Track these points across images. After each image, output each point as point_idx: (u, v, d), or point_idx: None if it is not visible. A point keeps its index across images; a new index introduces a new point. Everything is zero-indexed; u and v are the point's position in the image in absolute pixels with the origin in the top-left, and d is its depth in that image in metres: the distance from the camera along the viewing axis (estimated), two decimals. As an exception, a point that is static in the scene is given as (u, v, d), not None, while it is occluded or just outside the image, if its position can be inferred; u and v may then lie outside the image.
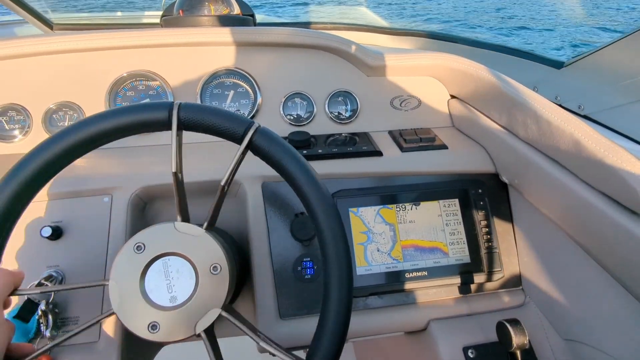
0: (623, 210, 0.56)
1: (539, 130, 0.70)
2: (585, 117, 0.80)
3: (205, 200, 0.81)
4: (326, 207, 0.51)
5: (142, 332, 0.48)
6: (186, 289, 0.50)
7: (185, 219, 0.54)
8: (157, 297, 0.49)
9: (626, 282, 0.58)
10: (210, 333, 0.52)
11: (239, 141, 0.52)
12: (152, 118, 0.50)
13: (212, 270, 0.51)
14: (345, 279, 0.50)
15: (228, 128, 0.51)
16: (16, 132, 0.87)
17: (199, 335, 0.50)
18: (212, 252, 0.52)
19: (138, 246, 0.50)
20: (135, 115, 0.50)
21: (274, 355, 0.51)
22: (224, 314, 0.51)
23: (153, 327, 0.48)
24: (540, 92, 0.89)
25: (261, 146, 0.52)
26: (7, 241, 0.48)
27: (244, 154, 0.52)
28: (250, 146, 0.52)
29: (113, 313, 0.49)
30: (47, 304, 0.67)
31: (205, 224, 0.54)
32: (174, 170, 0.51)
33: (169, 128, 0.50)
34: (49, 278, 0.69)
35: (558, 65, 0.83)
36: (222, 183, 0.52)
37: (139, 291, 0.49)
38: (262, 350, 0.53)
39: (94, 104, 0.89)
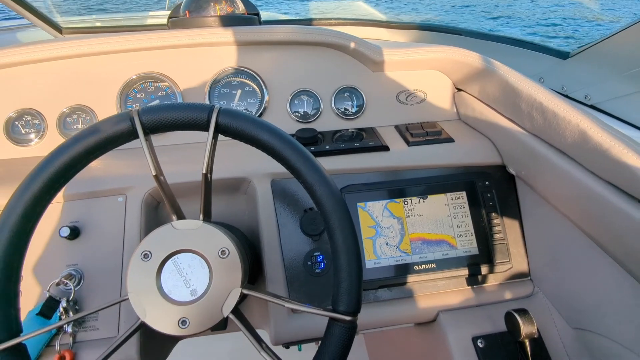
0: (630, 199, 0.57)
1: (545, 122, 0.70)
2: (592, 106, 0.80)
3: (220, 198, 0.83)
4: (310, 164, 0.52)
5: (174, 330, 0.50)
6: (203, 280, 0.52)
7: (181, 217, 0.56)
8: (178, 295, 0.51)
9: (634, 270, 0.58)
10: (238, 312, 0.54)
11: (205, 128, 0.53)
12: (117, 131, 0.51)
13: (220, 255, 0.53)
14: (349, 234, 0.51)
15: (191, 119, 0.52)
16: (32, 136, 0.90)
17: (227, 319, 0.52)
18: (216, 239, 0.53)
19: (145, 254, 0.52)
20: (101, 132, 0.51)
21: (303, 312, 0.52)
22: (245, 290, 0.53)
23: (183, 322, 0.50)
24: (547, 83, 0.89)
25: (229, 126, 0.52)
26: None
27: (215, 138, 0.53)
28: (219, 129, 0.53)
29: (142, 323, 0.51)
30: (67, 301, 0.69)
31: (200, 216, 0.55)
32: (154, 173, 0.53)
33: (137, 136, 0.52)
34: (69, 277, 0.71)
35: (564, 55, 0.83)
36: (203, 171, 0.54)
37: (159, 295, 0.51)
38: (293, 311, 0.54)
39: (106, 107, 0.91)
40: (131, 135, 0.52)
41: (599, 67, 0.75)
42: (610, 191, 0.59)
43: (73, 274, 0.72)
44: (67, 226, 0.73)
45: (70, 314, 0.69)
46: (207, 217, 0.56)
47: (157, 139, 0.92)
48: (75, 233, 0.73)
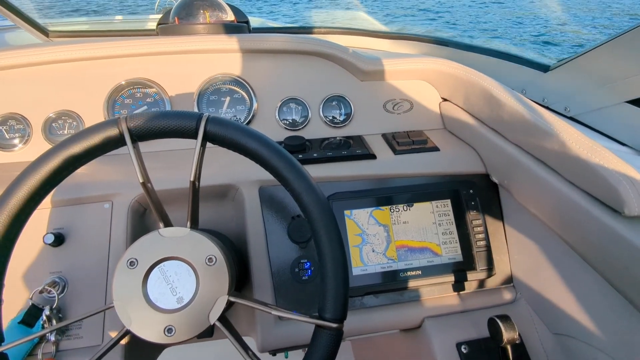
0: (605, 208, 0.59)
1: (526, 132, 0.73)
2: (572, 118, 0.83)
3: (207, 205, 0.83)
4: (297, 172, 0.53)
5: (160, 338, 0.50)
6: (189, 287, 0.52)
7: (167, 224, 0.56)
8: (164, 303, 0.51)
9: (609, 277, 0.60)
10: (225, 320, 0.54)
11: (194, 136, 0.53)
12: (105, 138, 0.51)
13: (207, 263, 0.53)
14: (336, 243, 0.52)
15: (180, 126, 0.53)
16: (16, 141, 0.89)
17: (214, 326, 0.52)
18: (202, 246, 0.53)
19: (131, 262, 0.51)
20: (89, 139, 0.51)
21: (289, 319, 0.53)
22: (232, 298, 0.53)
23: (169, 330, 0.50)
24: (528, 94, 0.92)
25: (218, 134, 0.53)
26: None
27: (203, 146, 0.53)
28: (207, 137, 0.53)
29: (127, 331, 0.50)
30: (51, 309, 0.68)
31: (188, 223, 0.55)
32: (141, 180, 0.53)
33: (124, 143, 0.52)
34: (53, 284, 0.70)
35: (544, 68, 0.86)
36: (191, 179, 0.54)
37: (145, 303, 0.51)
38: (280, 319, 0.54)
39: (93, 113, 0.91)
40: (119, 142, 0.52)
41: (577, 81, 0.78)
42: (587, 200, 0.62)
43: (57, 281, 0.71)
44: (51, 233, 0.72)
45: (54, 322, 0.68)
46: (195, 225, 0.56)
47: (145, 146, 0.92)
48: (59, 240, 0.72)
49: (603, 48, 0.71)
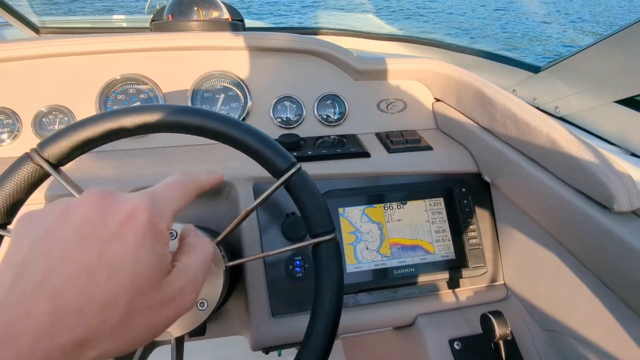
0: (595, 205, 0.60)
1: (518, 131, 0.74)
2: (561, 118, 0.84)
3: (201, 201, 0.82)
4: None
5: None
6: None
7: None
8: None
9: (599, 274, 0.61)
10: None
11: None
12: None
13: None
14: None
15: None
16: (4, 136, 0.87)
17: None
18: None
19: None
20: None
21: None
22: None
23: None
24: (519, 95, 0.94)
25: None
26: None
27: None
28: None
29: None
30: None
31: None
32: None
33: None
34: None
35: (535, 69, 0.88)
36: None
37: None
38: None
39: (85, 108, 0.90)
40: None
41: (567, 82, 0.79)
42: (577, 197, 0.63)
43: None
44: None
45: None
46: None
47: (135, 142, 0.91)
48: None
49: (591, 50, 0.73)
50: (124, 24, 2.13)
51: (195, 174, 0.41)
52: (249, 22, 1.22)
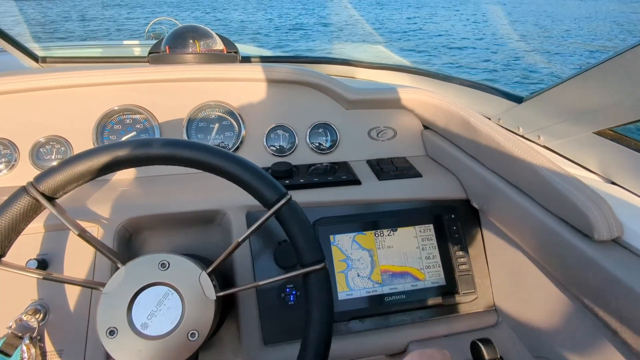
0: (577, 233, 0.62)
1: (502, 160, 0.77)
2: (544, 147, 0.87)
3: (194, 229, 0.83)
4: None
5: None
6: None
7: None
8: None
9: (584, 300, 0.63)
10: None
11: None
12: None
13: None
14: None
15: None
16: (1, 167, 0.88)
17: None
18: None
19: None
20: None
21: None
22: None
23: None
24: (504, 123, 0.97)
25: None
26: None
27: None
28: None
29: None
30: (31, 337, 0.67)
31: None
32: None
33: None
34: (33, 311, 0.69)
35: (518, 100, 0.91)
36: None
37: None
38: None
39: (82, 138, 0.91)
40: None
41: (547, 113, 0.82)
42: (560, 225, 0.65)
43: (38, 308, 0.70)
44: (35, 259, 0.71)
45: (33, 351, 0.67)
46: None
47: (129, 170, 0.92)
48: (43, 266, 0.72)
49: (572, 82, 0.76)
50: (124, 51, 2.17)
51: None
52: (250, 49, 1.26)
